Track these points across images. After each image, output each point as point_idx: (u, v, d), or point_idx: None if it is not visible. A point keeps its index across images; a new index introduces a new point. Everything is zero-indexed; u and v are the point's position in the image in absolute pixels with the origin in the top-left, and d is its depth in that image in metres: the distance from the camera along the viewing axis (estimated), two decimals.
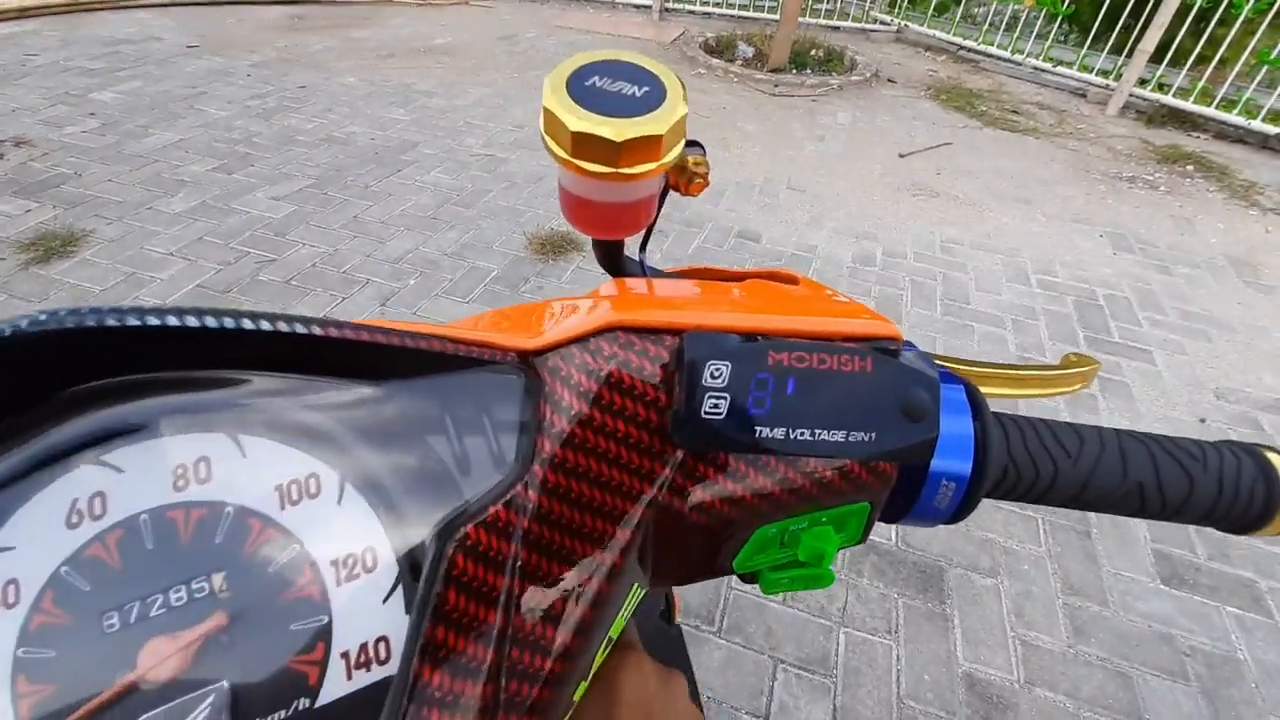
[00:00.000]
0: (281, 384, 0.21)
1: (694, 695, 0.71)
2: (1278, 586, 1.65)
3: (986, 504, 1.78)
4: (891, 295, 2.60)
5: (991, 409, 0.30)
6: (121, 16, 4.96)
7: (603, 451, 0.22)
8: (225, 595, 0.20)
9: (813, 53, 5.13)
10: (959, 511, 0.28)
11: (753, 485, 0.24)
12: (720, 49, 5.27)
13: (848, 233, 3.01)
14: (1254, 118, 4.29)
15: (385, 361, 0.21)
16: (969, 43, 5.61)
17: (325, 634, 0.20)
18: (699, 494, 0.23)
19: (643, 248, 0.35)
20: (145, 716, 0.18)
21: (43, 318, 0.17)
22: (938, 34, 5.83)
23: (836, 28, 6.02)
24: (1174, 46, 4.45)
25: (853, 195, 3.35)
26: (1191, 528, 1.77)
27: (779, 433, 0.22)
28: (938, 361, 0.33)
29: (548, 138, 0.26)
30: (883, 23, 6.12)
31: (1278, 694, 1.43)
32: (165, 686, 0.19)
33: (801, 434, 0.22)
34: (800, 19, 5.27)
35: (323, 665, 0.20)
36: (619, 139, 0.25)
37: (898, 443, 0.23)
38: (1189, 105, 4.49)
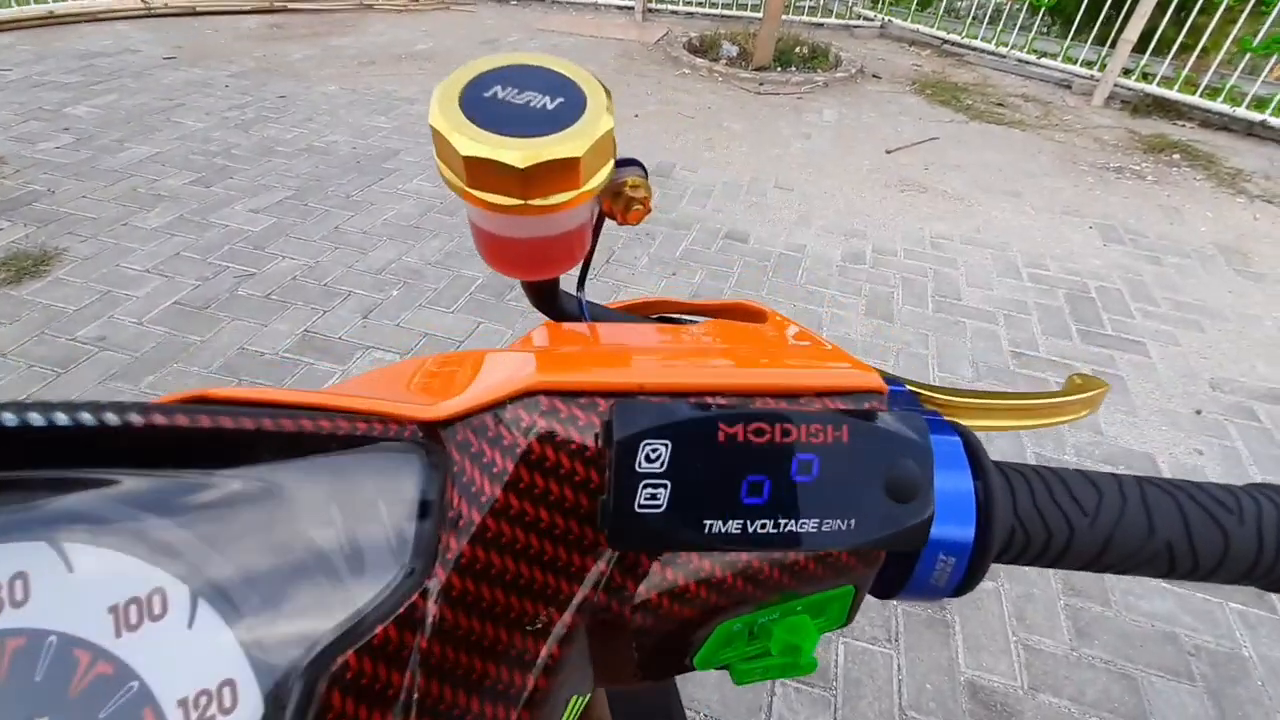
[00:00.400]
0: (119, 480, 0.17)
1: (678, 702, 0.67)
2: None
3: None
4: (883, 294, 2.57)
5: (993, 444, 0.27)
6: (98, 29, 4.88)
7: (521, 548, 0.18)
8: None
9: (797, 50, 5.11)
10: (962, 585, 0.24)
11: (708, 577, 0.20)
12: (704, 48, 5.23)
13: (837, 230, 2.98)
14: (1238, 105, 4.29)
15: (247, 446, 0.17)
16: (953, 36, 5.60)
17: None
18: (642, 591, 0.19)
19: (580, 286, 0.31)
20: None
21: None
22: (921, 28, 5.82)
23: (820, 24, 6.00)
24: (1157, 36, 4.45)
25: (841, 193, 3.32)
26: None
27: (733, 526, 0.18)
28: (929, 395, 0.29)
29: (441, 164, 0.22)
30: (866, 18, 6.10)
31: None
32: None
33: (761, 527, 0.18)
34: (783, 16, 5.24)
35: None
36: (524, 165, 0.20)
37: (883, 530, 0.19)
38: (1173, 94, 4.49)
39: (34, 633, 0.16)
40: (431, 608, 0.17)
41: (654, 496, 0.18)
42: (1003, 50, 5.28)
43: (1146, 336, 2.46)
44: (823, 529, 0.19)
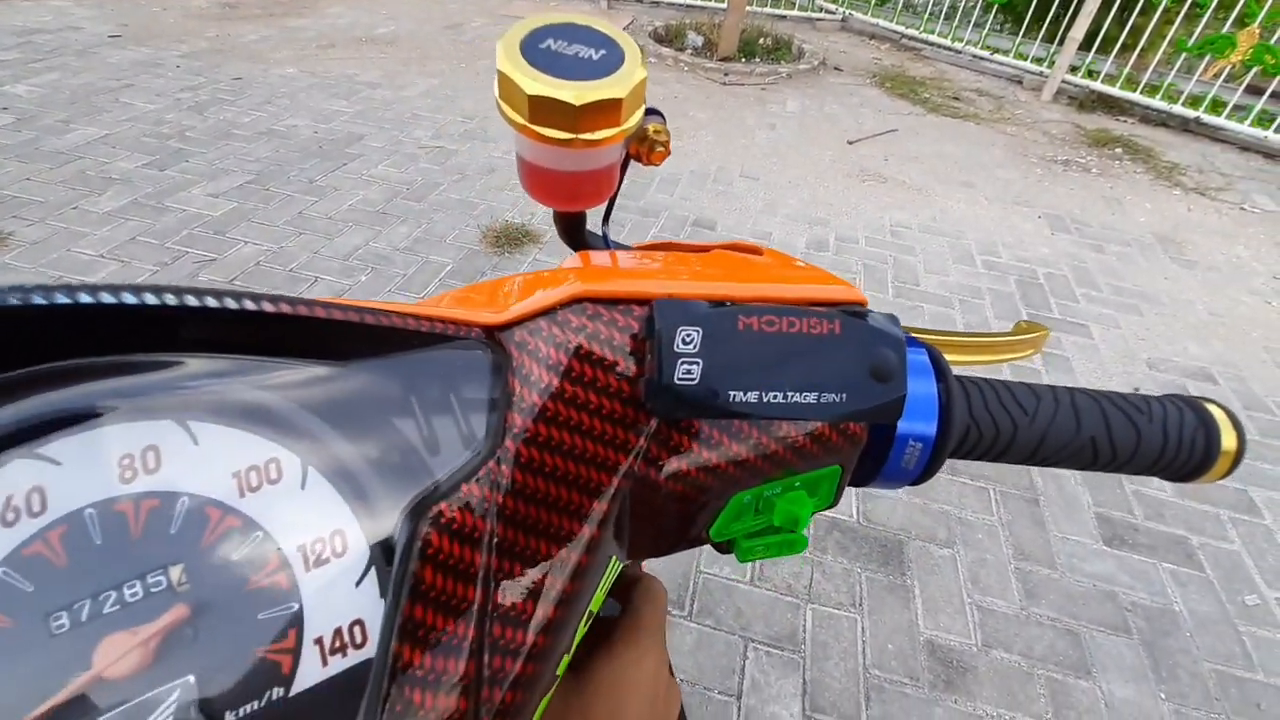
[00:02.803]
0: (235, 366, 0.20)
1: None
2: (1208, 542, 1.76)
3: (943, 475, 1.85)
4: (846, 279, 2.65)
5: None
6: (36, 4, 4.64)
7: (575, 424, 0.22)
8: (185, 588, 0.19)
9: (761, 41, 5.17)
10: (925, 471, 0.29)
11: (727, 452, 0.24)
12: (670, 38, 5.26)
13: (801, 219, 3.06)
14: (1175, 102, 4.53)
15: (345, 340, 0.20)
16: (911, 31, 5.74)
17: (296, 621, 0.19)
18: (674, 463, 0.23)
19: (605, 220, 0.35)
20: (110, 713, 0.17)
21: None
22: (881, 23, 5.95)
23: (783, 16, 6.08)
24: (1101, 35, 4.65)
25: (805, 182, 3.40)
26: (1129, 488, 1.87)
27: (751, 396, 0.22)
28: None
29: (503, 104, 0.26)
30: (828, 11, 6.21)
31: (1211, 642, 1.53)
32: (125, 684, 0.17)
33: (774, 397, 0.23)
34: (748, 8, 5.30)
35: (295, 653, 0.19)
36: (578, 103, 0.24)
37: (867, 403, 0.24)
38: (1116, 91, 4.70)
39: (166, 494, 0.19)
40: (504, 471, 0.21)
41: (689, 372, 0.22)
42: (958, 46, 5.45)
43: (1090, 320, 2.61)
44: (820, 400, 0.23)
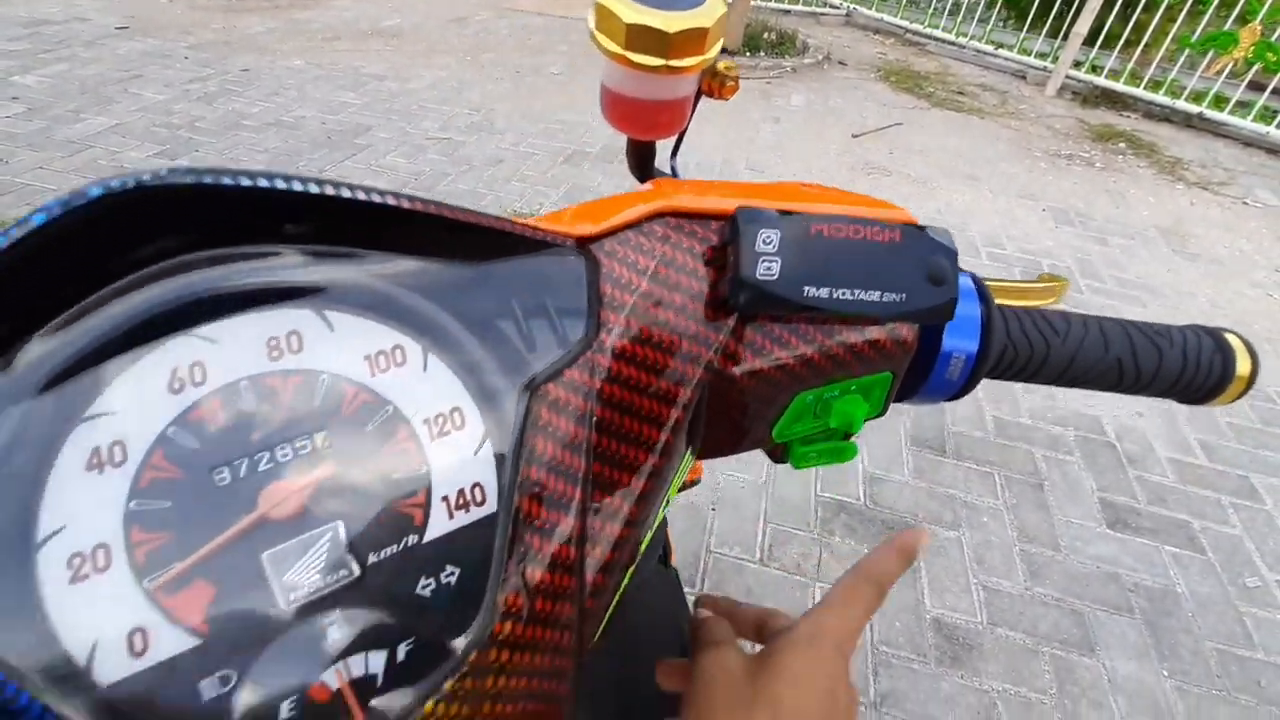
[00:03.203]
0: (365, 261, 0.23)
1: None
2: (1210, 526, 1.79)
3: (948, 461, 1.88)
4: None
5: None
6: None
7: (662, 321, 0.24)
8: (329, 451, 0.21)
9: (765, 35, 5.19)
10: (965, 386, 0.31)
11: (794, 351, 0.26)
12: None
13: None
14: (1178, 98, 4.54)
15: (463, 241, 0.23)
16: (915, 26, 5.75)
17: (425, 481, 0.21)
18: (748, 359, 0.26)
19: (674, 155, 0.37)
20: (270, 550, 0.20)
21: (134, 181, 0.18)
22: (885, 17, 5.96)
23: (788, 11, 6.09)
24: (1105, 30, 4.67)
25: (810, 174, 3.42)
26: (1132, 474, 1.90)
27: (823, 292, 0.25)
28: None
29: (599, 35, 0.28)
30: (832, 6, 6.22)
31: (1211, 621, 1.55)
32: (286, 525, 0.20)
33: (842, 294, 0.25)
34: (752, 2, 5.31)
35: (425, 508, 0.21)
36: (670, 30, 0.26)
37: (924, 303, 0.26)
38: (1120, 86, 4.72)
39: (309, 372, 0.22)
40: (601, 360, 0.23)
41: (769, 269, 0.24)
42: (962, 41, 5.46)
43: (1093, 310, 2.61)
44: (883, 299, 0.26)
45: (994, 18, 5.39)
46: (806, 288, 0.25)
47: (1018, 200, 3.43)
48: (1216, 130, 4.49)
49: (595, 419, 0.23)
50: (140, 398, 0.20)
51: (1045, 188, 3.61)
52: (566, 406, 0.22)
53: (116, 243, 0.20)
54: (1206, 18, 4.32)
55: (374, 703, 0.19)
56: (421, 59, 4.33)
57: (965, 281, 0.32)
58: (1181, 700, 1.40)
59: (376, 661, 0.20)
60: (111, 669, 0.18)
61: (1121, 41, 4.68)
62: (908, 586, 1.55)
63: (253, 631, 0.19)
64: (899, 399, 0.32)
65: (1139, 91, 4.66)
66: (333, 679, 0.19)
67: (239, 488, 0.20)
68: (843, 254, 0.25)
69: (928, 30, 5.67)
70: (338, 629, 0.20)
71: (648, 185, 0.29)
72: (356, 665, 0.20)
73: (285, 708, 0.19)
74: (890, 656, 1.41)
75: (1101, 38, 4.73)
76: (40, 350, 0.19)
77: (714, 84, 0.32)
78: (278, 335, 0.22)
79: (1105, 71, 4.79)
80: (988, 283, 0.41)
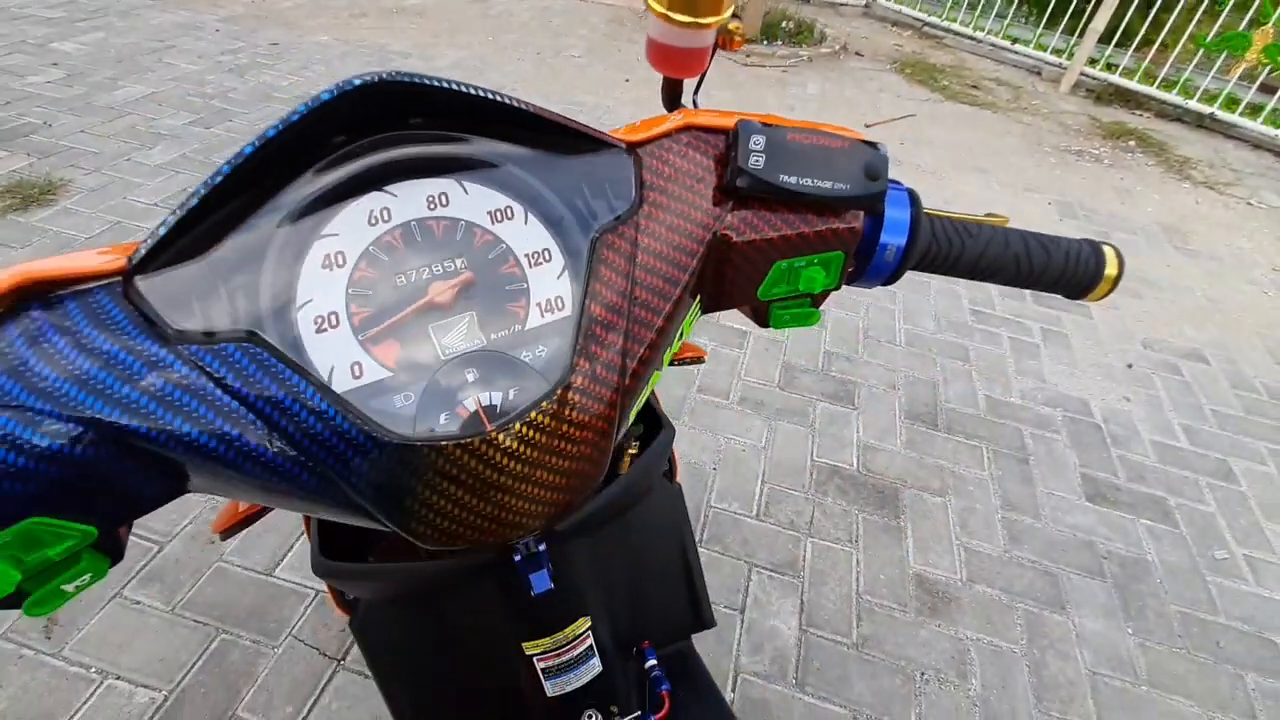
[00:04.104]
0: (487, 145, 0.34)
1: (696, 558, 0.84)
2: (1185, 503, 1.89)
3: (939, 434, 1.98)
4: None
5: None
6: None
7: (685, 199, 0.35)
8: (466, 269, 0.32)
9: (783, 24, 5.23)
10: (897, 270, 0.42)
11: (775, 230, 0.37)
12: None
13: None
14: (1191, 98, 4.58)
15: (552, 136, 0.34)
16: (933, 19, 5.78)
17: (525, 293, 0.33)
18: (743, 233, 0.37)
19: (695, 92, 0.48)
20: (434, 324, 0.31)
21: (377, 77, 0.29)
22: (904, 9, 5.99)
23: (807, 1, 6.12)
24: (1121, 28, 4.69)
25: None
26: (1115, 453, 1.99)
27: (793, 179, 0.36)
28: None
29: (651, 1, 0.39)
30: None
31: (1178, 588, 1.66)
32: (443, 309, 0.31)
33: (805, 181, 0.36)
34: None
35: (526, 309, 0.32)
36: None
37: (861, 191, 0.37)
38: (1133, 85, 4.75)
39: (453, 219, 0.33)
40: (642, 223, 0.34)
41: (758, 161, 0.35)
42: (979, 35, 5.49)
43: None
44: (834, 187, 0.36)
45: (1012, 13, 5.41)
46: (781, 175, 0.35)
47: (1024, 193, 3.50)
48: (1227, 131, 4.52)
49: (636, 262, 0.34)
50: (352, 226, 0.31)
51: (1053, 182, 3.67)
52: (618, 252, 0.33)
53: (351, 118, 0.31)
54: (1222, 18, 4.34)
55: (494, 422, 0.30)
56: (445, 37, 4.42)
57: (901, 192, 0.42)
58: (1143, 655, 1.51)
59: (496, 396, 0.31)
60: (341, 383, 0.29)
61: (1138, 39, 4.71)
62: (893, 545, 1.66)
63: (422, 370, 0.30)
64: (849, 280, 0.43)
65: (1152, 90, 4.69)
66: (470, 403, 0.30)
67: (413, 286, 0.31)
68: (808, 153, 0.36)
69: (945, 23, 5.70)
70: (473, 374, 0.31)
71: (677, 114, 0.40)
72: (485, 397, 0.31)
73: (443, 420, 0.30)
74: (873, 605, 1.52)
75: (1118, 35, 4.76)
76: (297, 193, 0.31)
77: (726, 38, 0.42)
78: (433, 194, 0.33)
79: (1120, 69, 4.82)
80: (941, 213, 0.52)
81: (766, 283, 0.38)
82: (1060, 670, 1.46)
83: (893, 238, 0.41)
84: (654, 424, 0.74)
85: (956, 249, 0.43)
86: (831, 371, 2.16)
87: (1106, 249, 0.44)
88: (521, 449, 0.30)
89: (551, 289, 0.33)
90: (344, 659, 1.28)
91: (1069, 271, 0.43)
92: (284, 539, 1.45)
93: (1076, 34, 4.97)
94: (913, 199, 0.42)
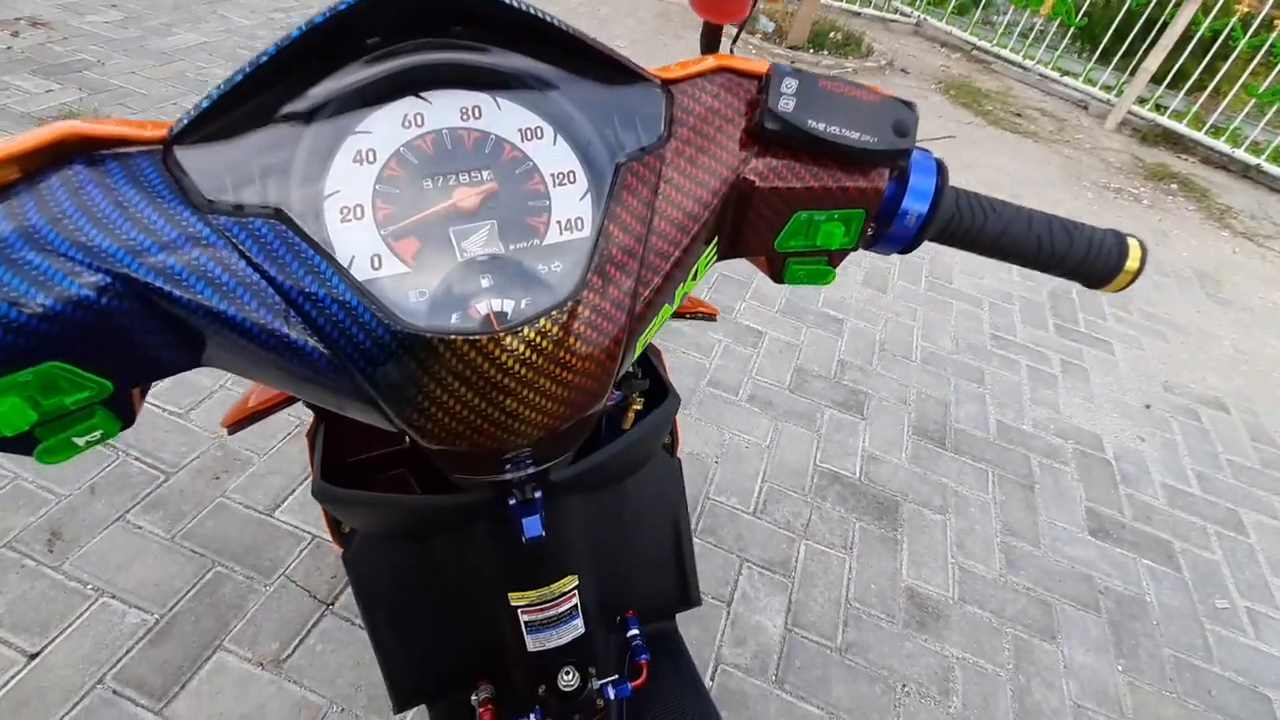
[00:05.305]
0: (524, 63, 0.34)
1: (689, 535, 0.84)
2: (1190, 549, 1.86)
3: (946, 454, 1.96)
4: (880, 268, 2.75)
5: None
6: None
7: (713, 138, 0.36)
8: (491, 180, 0.33)
9: (831, 35, 5.21)
10: (915, 238, 0.42)
11: (799, 180, 0.37)
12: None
13: None
14: (1239, 147, 4.49)
15: (591, 62, 0.34)
16: (983, 43, 5.72)
17: (547, 210, 0.33)
18: (767, 178, 0.37)
19: (734, 41, 0.48)
20: (454, 227, 0.31)
21: None
22: (954, 31, 5.93)
23: (858, 13, 6.08)
24: (1175, 70, 4.61)
25: None
26: (1123, 491, 1.96)
27: (821, 125, 0.36)
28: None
29: None
30: (903, 14, 6.19)
31: (1175, 631, 1.63)
32: (467, 214, 0.32)
33: (833, 129, 0.36)
34: (823, 0, 5.33)
35: (546, 224, 0.33)
36: None
37: (889, 146, 0.37)
38: (1181, 128, 4.67)
39: (484, 133, 0.33)
40: (668, 156, 0.35)
41: (788, 104, 0.35)
42: (1028, 63, 5.42)
43: (1114, 338, 2.68)
44: (861, 138, 0.36)
45: (1064, 44, 5.34)
46: (810, 120, 0.35)
47: None
48: (1272, 184, 4.43)
49: (659, 193, 0.34)
50: (386, 126, 0.32)
51: (1089, 217, 3.62)
52: (643, 182, 0.34)
53: (396, 19, 0.32)
54: (1277, 69, 4.26)
55: (503, 325, 0.31)
56: None
57: (930, 160, 0.42)
58: (1131, 694, 1.49)
59: (509, 304, 0.31)
60: (361, 272, 0.30)
61: (1190, 83, 4.63)
62: (888, 556, 1.65)
63: (439, 269, 0.31)
64: (868, 244, 0.43)
65: (1200, 135, 4.61)
66: (483, 306, 0.31)
67: (438, 190, 0.32)
68: (838, 102, 0.36)
69: (995, 49, 5.64)
70: (488, 280, 0.31)
71: (711, 56, 0.40)
72: (496, 304, 0.31)
73: (454, 318, 0.31)
74: (861, 613, 1.52)
75: (1170, 77, 4.68)
76: (336, 86, 0.31)
77: None
78: (467, 106, 0.33)
79: (1169, 112, 4.74)
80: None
81: (785, 234, 0.39)
82: (1044, 699, 1.44)
83: (915, 204, 0.40)
84: (660, 395, 0.74)
85: (979, 224, 0.43)
86: (844, 380, 2.14)
87: (1130, 241, 0.44)
88: (528, 354, 0.31)
89: (573, 209, 0.33)
90: (333, 604, 1.30)
91: (1090, 259, 0.43)
92: (288, 481, 1.47)
93: (1128, 72, 4.89)
94: (940, 168, 0.42)
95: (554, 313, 0.31)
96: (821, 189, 0.37)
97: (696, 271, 0.38)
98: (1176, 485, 2.06)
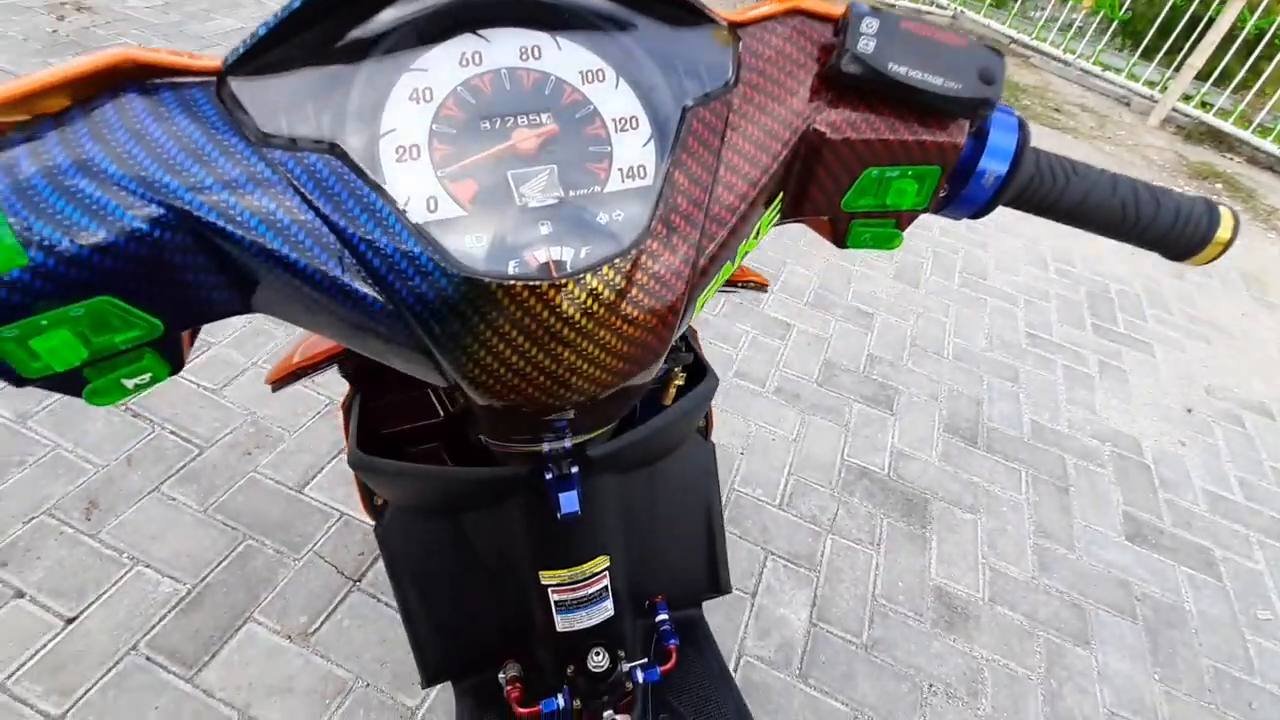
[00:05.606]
0: (585, 1, 0.33)
1: (720, 521, 0.82)
2: (1231, 557, 1.79)
3: (978, 451, 1.92)
4: (912, 263, 2.69)
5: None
6: None
7: (783, 84, 0.34)
8: (551, 122, 0.31)
9: None
10: (991, 201, 0.40)
11: (873, 132, 0.35)
12: None
13: None
14: None
15: (653, 5, 0.33)
16: (1022, 37, 5.57)
17: (608, 156, 0.32)
18: (840, 129, 0.35)
19: None
20: (512, 171, 0.30)
21: None
22: (993, 24, 5.79)
23: (892, 6, 5.97)
24: (1220, 67, 4.45)
25: None
26: (1162, 496, 1.90)
27: (902, 70, 0.34)
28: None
29: None
30: (939, 6, 6.06)
31: (1215, 641, 1.58)
32: (525, 157, 0.30)
33: (915, 74, 0.34)
34: None
35: (608, 171, 0.31)
36: None
37: (974, 94, 0.35)
38: (1227, 126, 4.51)
39: (544, 73, 0.32)
40: (735, 102, 0.33)
41: (868, 45, 0.33)
42: (1069, 57, 5.28)
43: (1155, 339, 2.59)
44: (944, 85, 0.34)
45: (1106, 38, 5.19)
46: (891, 63, 0.33)
47: None
48: None
49: (725, 141, 0.32)
50: (443, 64, 0.31)
51: None
52: (709, 129, 0.32)
53: None
54: None
55: (563, 272, 0.30)
56: None
57: (1012, 118, 0.40)
58: (1168, 703, 1.44)
59: (568, 253, 0.30)
60: (416, 214, 0.29)
61: (1236, 80, 4.46)
62: (916, 554, 1.62)
63: (497, 214, 0.30)
64: (939, 206, 0.41)
65: (1246, 135, 4.45)
66: (541, 254, 0.30)
67: (496, 132, 0.31)
68: (921, 44, 0.34)
69: (1034, 42, 5.49)
70: (547, 227, 0.30)
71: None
72: (555, 252, 0.30)
73: (512, 265, 0.29)
74: (888, 610, 1.49)
75: (1216, 74, 4.52)
76: (392, 18, 0.30)
77: None
78: (526, 45, 0.32)
79: (1215, 109, 4.58)
80: None
81: (853, 191, 0.37)
82: (1077, 704, 1.40)
83: (994, 163, 0.38)
84: (697, 376, 0.72)
85: (1059, 187, 0.40)
86: (873, 374, 2.11)
87: (1222, 209, 0.41)
88: (590, 303, 0.29)
89: (635, 156, 0.32)
90: (360, 580, 1.31)
91: (1178, 228, 0.40)
92: (317, 459, 1.49)
93: (1172, 68, 4.74)
94: (1022, 126, 0.40)
95: (617, 261, 0.29)
96: (897, 142, 0.35)
97: (759, 230, 0.36)
98: (1218, 491, 1.99)
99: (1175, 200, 0.41)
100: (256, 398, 1.58)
